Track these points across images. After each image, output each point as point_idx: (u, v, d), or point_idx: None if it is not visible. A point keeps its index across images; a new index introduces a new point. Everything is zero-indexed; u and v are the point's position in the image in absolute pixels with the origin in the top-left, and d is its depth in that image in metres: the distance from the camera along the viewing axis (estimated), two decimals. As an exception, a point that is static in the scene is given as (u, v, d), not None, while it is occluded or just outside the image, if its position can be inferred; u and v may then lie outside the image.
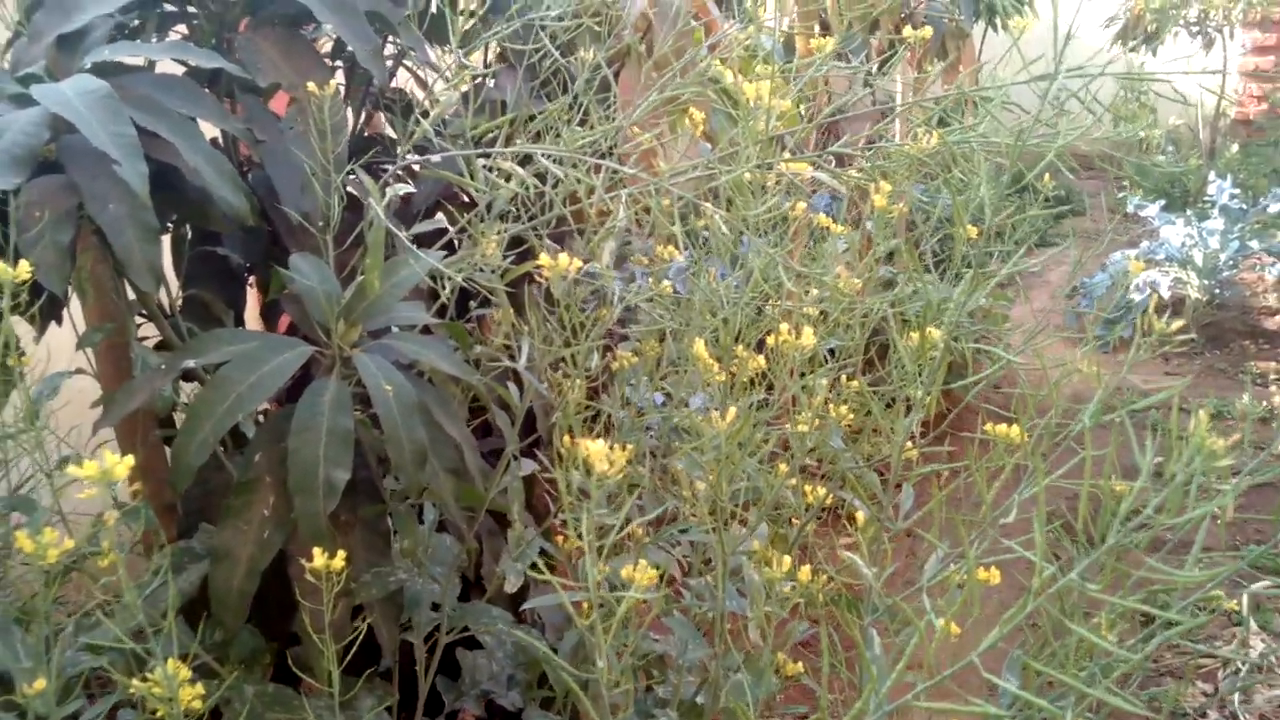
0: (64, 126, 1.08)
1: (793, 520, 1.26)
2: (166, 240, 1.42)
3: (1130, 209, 5.13)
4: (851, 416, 1.21)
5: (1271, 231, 4.60)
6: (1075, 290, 4.50)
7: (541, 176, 1.11)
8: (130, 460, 0.75)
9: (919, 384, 1.06)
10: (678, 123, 1.36)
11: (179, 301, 1.47)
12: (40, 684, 0.81)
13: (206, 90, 1.28)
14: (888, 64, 1.68)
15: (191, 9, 1.37)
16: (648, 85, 1.22)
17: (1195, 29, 6.26)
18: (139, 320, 1.42)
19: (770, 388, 1.16)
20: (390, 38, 1.52)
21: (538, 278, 1.09)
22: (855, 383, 1.23)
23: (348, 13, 1.31)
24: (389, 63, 1.57)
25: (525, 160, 1.12)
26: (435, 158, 1.13)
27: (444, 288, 1.24)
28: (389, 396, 1.10)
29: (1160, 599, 0.79)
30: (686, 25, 1.46)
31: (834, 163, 1.09)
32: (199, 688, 0.89)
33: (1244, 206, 4.68)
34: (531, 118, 1.28)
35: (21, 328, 1.08)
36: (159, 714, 0.89)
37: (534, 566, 1.33)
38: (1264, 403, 3.54)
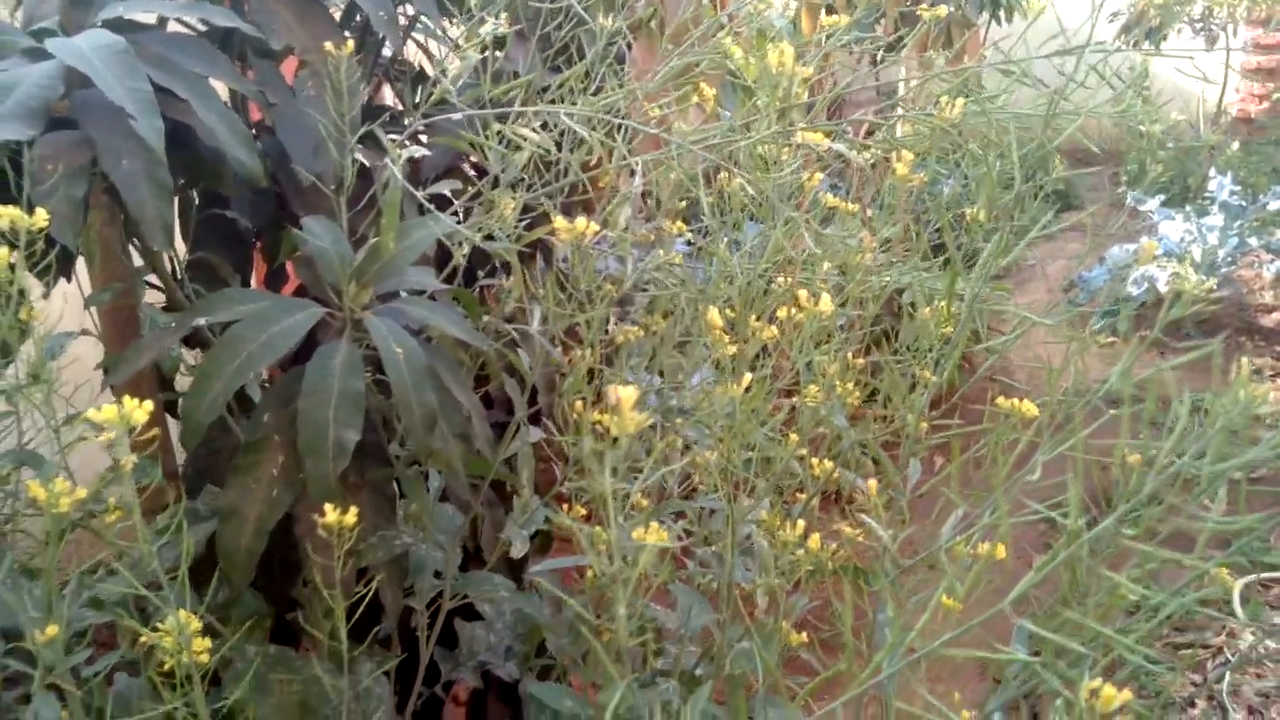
0: (79, 81, 1.07)
1: (796, 494, 1.27)
2: (174, 203, 1.41)
3: (1130, 204, 5.13)
4: (858, 394, 1.22)
5: (1270, 229, 4.61)
6: (1073, 284, 4.50)
7: (558, 143, 1.10)
8: (149, 405, 0.75)
9: (933, 357, 1.06)
10: (689, 97, 1.36)
11: (185, 265, 1.46)
12: (52, 630, 0.81)
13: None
14: (898, 47, 1.68)
15: (204, -31, 1.37)
16: (664, 58, 1.21)
17: (1199, 25, 6.27)
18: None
19: (776, 367, 1.16)
20: (401, 8, 1.52)
21: (551, 243, 1.09)
22: (860, 361, 1.23)
23: (363, -24, 1.31)
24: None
25: (541, 127, 1.11)
26: (455, 116, 1.12)
27: (457, 251, 1.23)
28: (400, 359, 1.10)
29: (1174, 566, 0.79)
30: (699, -2, 1.45)
31: (850, 133, 1.09)
32: (206, 641, 0.89)
33: (1244, 203, 4.69)
34: (545, 89, 1.28)
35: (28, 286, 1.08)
36: (166, 666, 0.89)
37: (536, 536, 1.33)
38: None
